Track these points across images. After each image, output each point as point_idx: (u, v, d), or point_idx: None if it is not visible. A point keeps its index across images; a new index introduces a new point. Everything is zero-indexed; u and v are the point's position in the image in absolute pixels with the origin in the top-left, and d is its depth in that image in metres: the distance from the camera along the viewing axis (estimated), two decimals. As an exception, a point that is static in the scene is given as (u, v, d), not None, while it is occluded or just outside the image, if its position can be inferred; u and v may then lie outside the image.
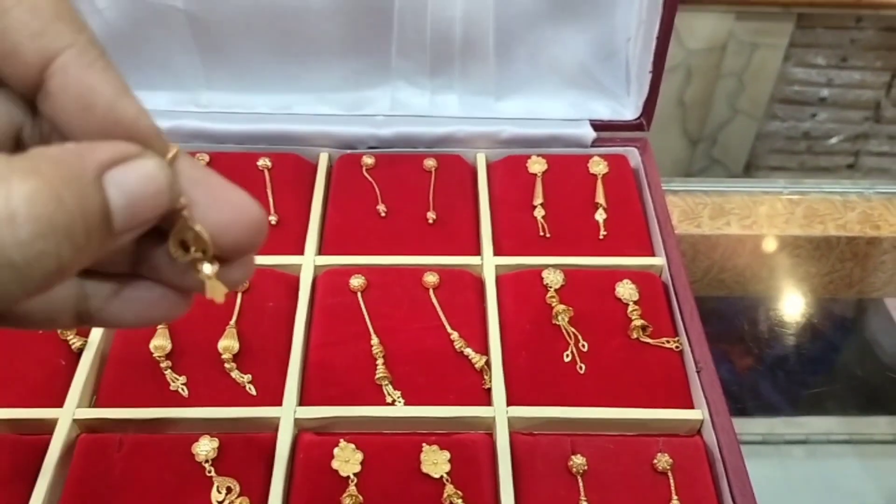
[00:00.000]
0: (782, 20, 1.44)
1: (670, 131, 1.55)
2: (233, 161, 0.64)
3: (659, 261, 0.58)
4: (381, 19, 0.63)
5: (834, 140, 1.63)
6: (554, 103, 0.67)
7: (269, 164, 0.64)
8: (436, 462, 0.46)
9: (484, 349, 0.52)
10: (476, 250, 0.60)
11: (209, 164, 0.63)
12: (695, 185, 0.71)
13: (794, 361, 0.69)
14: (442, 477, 0.46)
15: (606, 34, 0.64)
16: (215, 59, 0.65)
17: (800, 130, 1.62)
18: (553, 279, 0.56)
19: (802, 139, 1.63)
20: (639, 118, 0.66)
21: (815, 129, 1.61)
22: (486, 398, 0.50)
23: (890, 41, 1.50)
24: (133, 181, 0.21)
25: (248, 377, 0.51)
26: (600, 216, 0.61)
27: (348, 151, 0.66)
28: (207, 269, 0.23)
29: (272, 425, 0.48)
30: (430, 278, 0.56)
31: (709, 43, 1.45)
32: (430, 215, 0.62)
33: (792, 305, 0.69)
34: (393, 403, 0.49)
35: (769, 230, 0.66)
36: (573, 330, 0.53)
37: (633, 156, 0.67)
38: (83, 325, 0.26)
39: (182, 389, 0.50)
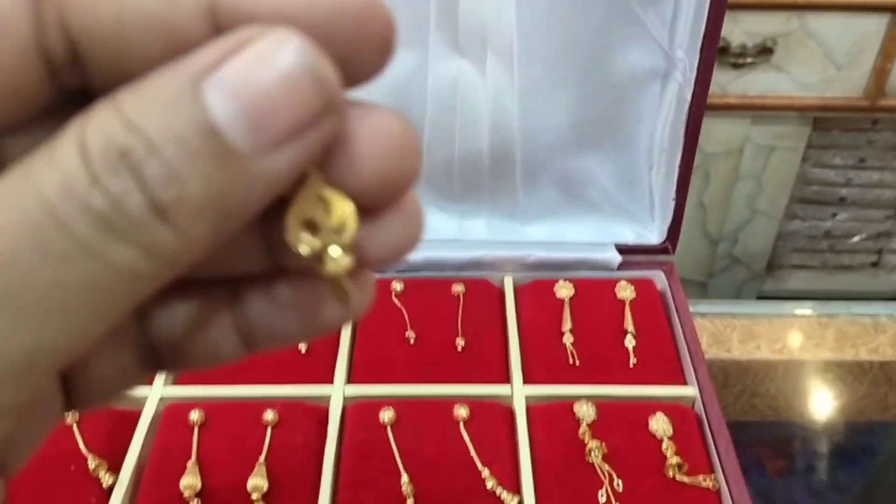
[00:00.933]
0: (798, 124, 1.46)
1: (691, 232, 1.55)
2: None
3: (691, 391, 0.57)
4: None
5: (856, 239, 1.63)
6: (580, 227, 0.68)
7: (298, 290, 0.65)
8: None
9: (516, 488, 0.51)
10: (505, 378, 0.59)
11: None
12: (722, 307, 0.70)
13: (827, 486, 0.68)
14: None
15: (629, 162, 0.66)
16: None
17: (821, 230, 1.62)
18: (585, 413, 0.55)
19: (824, 238, 1.63)
20: (664, 242, 0.67)
21: (837, 228, 1.62)
22: (519, 540, 0.49)
23: (907, 143, 1.52)
24: (243, 73, 0.14)
25: (277, 517, 0.50)
26: (629, 343, 0.61)
27: (377, 276, 0.67)
28: (341, 258, 0.15)
29: (302, 571, 0.47)
30: (461, 412, 0.55)
31: (726, 147, 1.47)
32: (459, 342, 0.62)
33: (825, 429, 0.68)
34: (424, 546, 0.49)
35: (800, 354, 0.66)
36: (607, 468, 0.52)
37: (660, 279, 0.67)
38: (249, 352, 0.19)
39: (211, 531, 0.49)
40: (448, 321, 0.63)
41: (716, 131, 1.49)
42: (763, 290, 1.65)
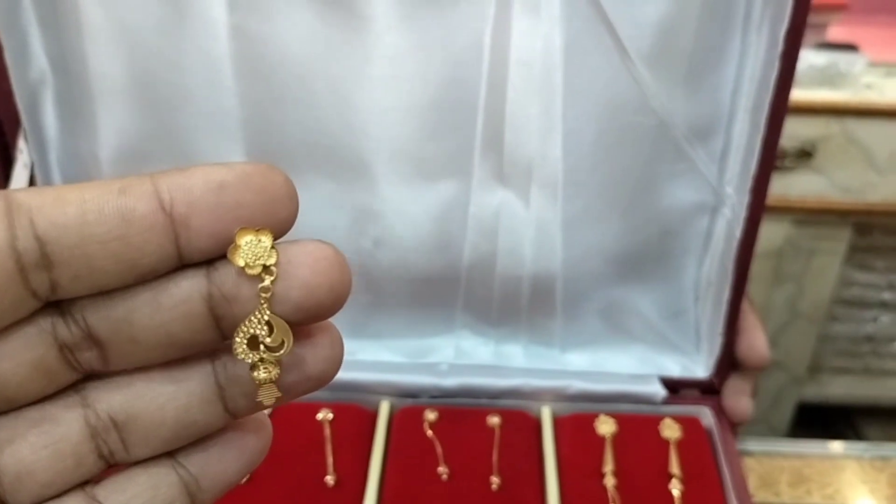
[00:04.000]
0: (839, 226, 1.44)
1: (728, 333, 1.51)
2: (293, 412, 0.63)
3: (742, 547, 0.54)
4: (449, 276, 0.63)
5: (899, 344, 1.58)
6: (622, 358, 0.66)
7: (329, 416, 0.63)
8: None
9: None
10: (542, 522, 0.56)
11: (272, 416, 0.62)
12: (770, 445, 0.67)
13: None
14: None
15: (674, 294, 0.64)
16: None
17: (862, 333, 1.58)
18: (629, 572, 0.52)
19: (866, 342, 1.58)
20: (711, 378, 0.64)
21: (879, 332, 1.57)
22: None
23: (950, 247, 1.48)
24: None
25: None
26: (675, 488, 0.58)
27: (410, 402, 0.65)
28: (272, 367, 0.20)
29: None
30: (496, 565, 0.52)
31: (766, 248, 1.45)
32: (494, 480, 0.59)
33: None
34: None
35: (853, 499, 0.62)
36: None
37: (706, 415, 0.64)
38: None
39: None
40: (483, 456, 0.61)
41: (755, 232, 1.46)
42: (803, 394, 1.60)
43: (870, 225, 1.45)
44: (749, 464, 0.66)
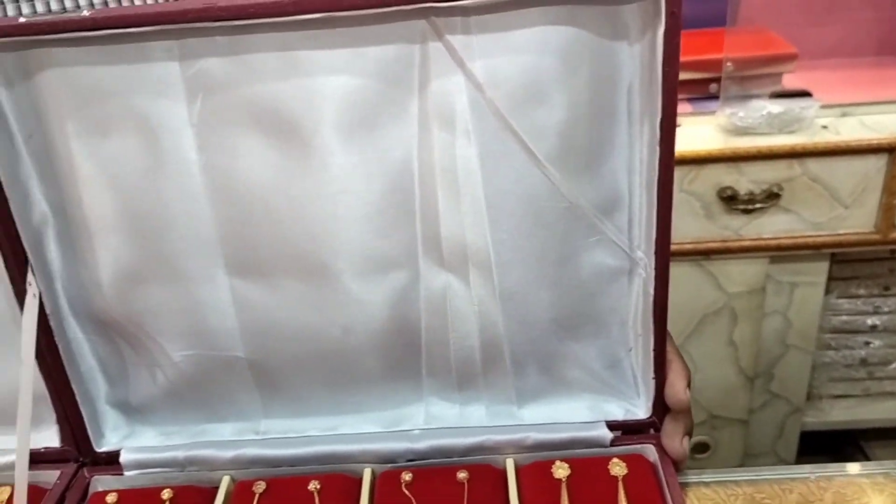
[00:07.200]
0: (816, 259, 1.51)
1: (724, 370, 1.58)
2: (287, 486, 0.72)
3: (677, 568, 0.61)
4: (411, 351, 0.73)
5: (894, 366, 1.63)
6: (571, 407, 0.74)
7: (318, 486, 0.72)
8: None
9: None
10: (507, 562, 0.64)
11: (266, 490, 0.71)
12: (726, 475, 0.75)
13: None
14: None
15: (609, 347, 0.72)
16: (272, 393, 0.76)
17: (856, 358, 1.63)
18: None
19: (861, 366, 1.63)
20: (650, 417, 0.72)
21: (872, 356, 1.62)
22: None
23: (928, 269, 1.54)
24: None
25: None
26: (621, 521, 0.66)
27: (389, 466, 0.74)
28: None
29: None
30: None
31: (748, 286, 1.52)
32: (464, 528, 0.67)
33: None
34: None
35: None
36: None
37: (650, 452, 0.72)
38: None
39: None
40: (454, 508, 0.69)
41: (736, 272, 1.55)
42: (806, 422, 1.64)
43: (846, 255, 1.52)
44: (705, 493, 0.74)
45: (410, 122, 0.63)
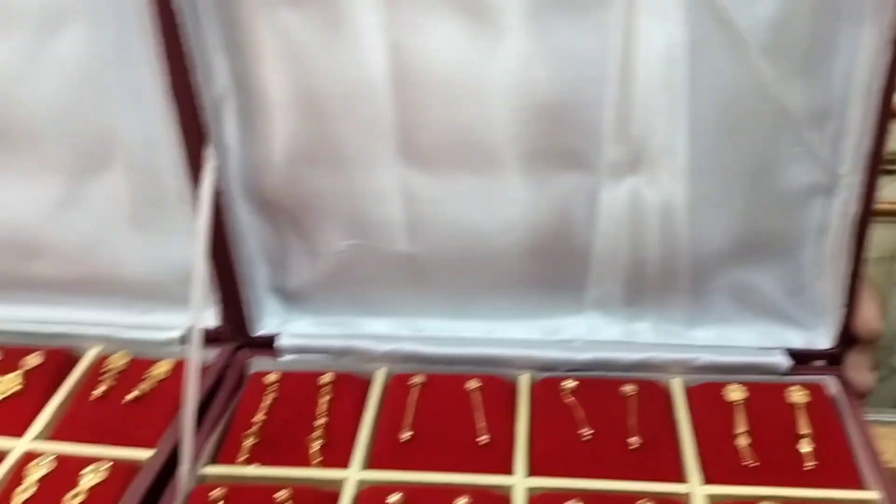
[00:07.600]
0: None
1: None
2: (445, 383, 0.70)
3: (874, 495, 0.58)
4: (578, 259, 0.70)
5: None
6: (747, 332, 0.71)
7: (478, 384, 0.70)
8: None
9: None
10: (679, 477, 0.61)
11: (424, 384, 0.70)
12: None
13: None
14: None
15: (795, 271, 0.68)
16: (429, 291, 0.74)
17: None
18: (767, 513, 0.56)
19: None
20: (834, 348, 0.68)
21: None
22: None
23: None
24: None
25: None
26: (805, 446, 0.62)
27: (547, 374, 0.71)
28: None
29: None
30: (643, 508, 0.58)
31: (880, 252, 1.44)
32: (633, 440, 0.64)
33: None
34: None
35: None
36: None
37: (832, 384, 0.68)
38: None
39: None
40: (619, 420, 0.66)
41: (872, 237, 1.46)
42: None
43: None
44: (884, 432, 0.69)
45: (613, 7, 0.59)
